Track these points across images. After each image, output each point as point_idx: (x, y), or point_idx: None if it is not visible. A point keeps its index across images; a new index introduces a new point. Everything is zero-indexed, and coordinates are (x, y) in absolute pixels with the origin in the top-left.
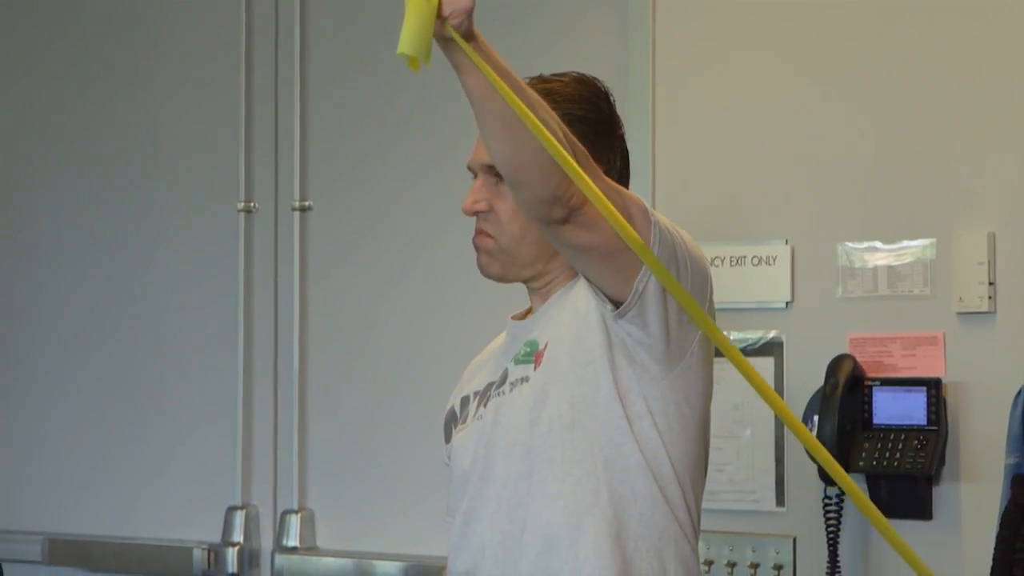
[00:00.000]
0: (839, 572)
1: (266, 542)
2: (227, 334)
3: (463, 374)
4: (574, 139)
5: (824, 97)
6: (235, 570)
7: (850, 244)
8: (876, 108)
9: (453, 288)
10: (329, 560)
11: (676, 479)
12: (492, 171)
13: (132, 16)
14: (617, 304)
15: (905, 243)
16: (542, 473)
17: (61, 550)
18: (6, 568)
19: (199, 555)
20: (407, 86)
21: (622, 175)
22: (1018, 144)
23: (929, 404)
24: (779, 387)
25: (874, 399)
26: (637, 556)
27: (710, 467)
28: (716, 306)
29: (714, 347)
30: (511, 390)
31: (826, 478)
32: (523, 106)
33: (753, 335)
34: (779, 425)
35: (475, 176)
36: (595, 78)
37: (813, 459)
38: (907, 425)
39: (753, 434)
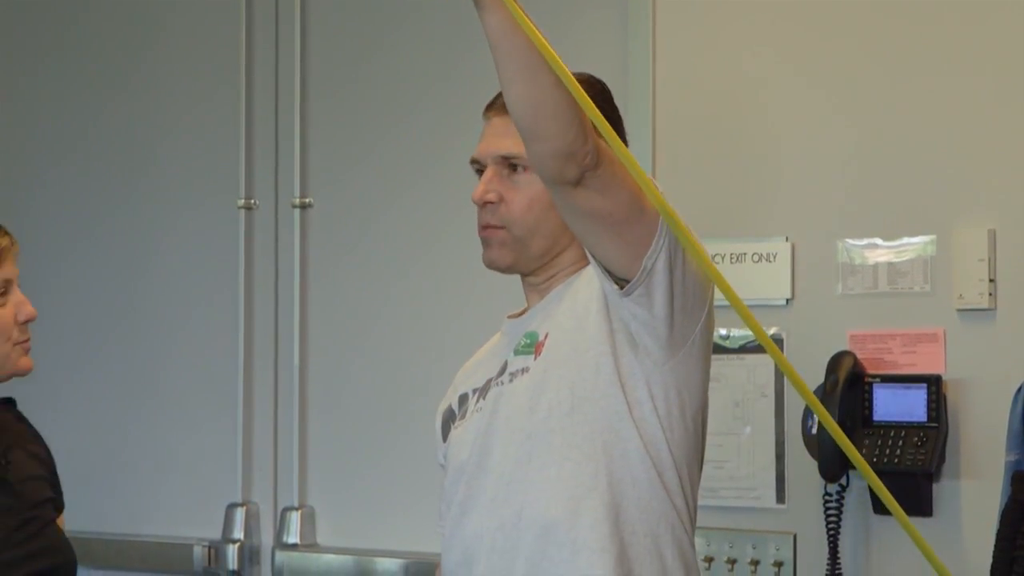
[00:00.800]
0: (839, 569)
1: (267, 539)
2: (227, 331)
3: (456, 377)
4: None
5: (824, 94)
6: (236, 567)
7: (850, 241)
8: (877, 105)
9: (453, 285)
10: (329, 557)
11: (674, 465)
12: (505, 162)
13: (132, 15)
14: (622, 284)
15: (905, 240)
16: (541, 458)
17: None
18: None
19: (200, 552)
20: (407, 84)
21: None
22: (1019, 141)
23: (929, 401)
24: (779, 384)
25: (874, 396)
26: (635, 541)
27: (711, 464)
28: (716, 303)
29: (712, 342)
30: (511, 380)
31: (826, 474)
32: (545, 42)
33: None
34: (779, 422)
35: (478, 172)
36: (599, 79)
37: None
38: (907, 422)
39: (753, 431)
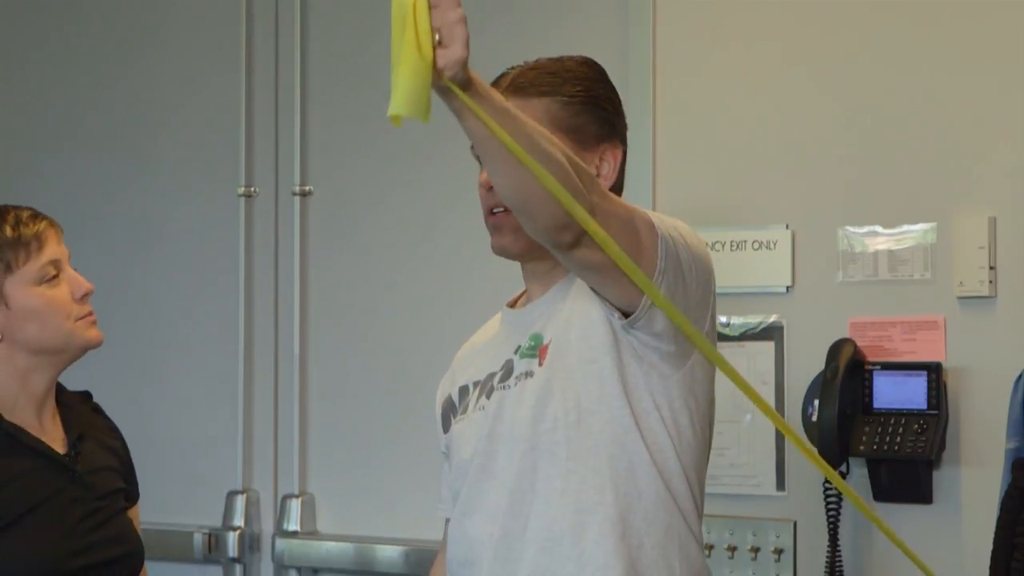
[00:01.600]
0: (839, 556)
1: (267, 526)
2: (228, 319)
3: (454, 360)
4: (576, 161)
5: (825, 83)
6: (236, 554)
7: (851, 228)
8: (877, 93)
9: (454, 272)
10: (330, 544)
11: (682, 472)
12: None
13: (133, 2)
14: (626, 313)
15: (906, 227)
16: (546, 470)
17: None
18: None
19: (200, 539)
20: None
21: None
22: (1019, 129)
23: (930, 388)
24: (780, 372)
25: (875, 383)
26: (642, 554)
27: (711, 451)
28: (717, 291)
29: (716, 330)
30: (515, 384)
31: (827, 462)
32: (521, 150)
33: (753, 319)
34: (780, 409)
35: (477, 157)
36: (596, 62)
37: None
38: (907, 409)
39: (754, 419)
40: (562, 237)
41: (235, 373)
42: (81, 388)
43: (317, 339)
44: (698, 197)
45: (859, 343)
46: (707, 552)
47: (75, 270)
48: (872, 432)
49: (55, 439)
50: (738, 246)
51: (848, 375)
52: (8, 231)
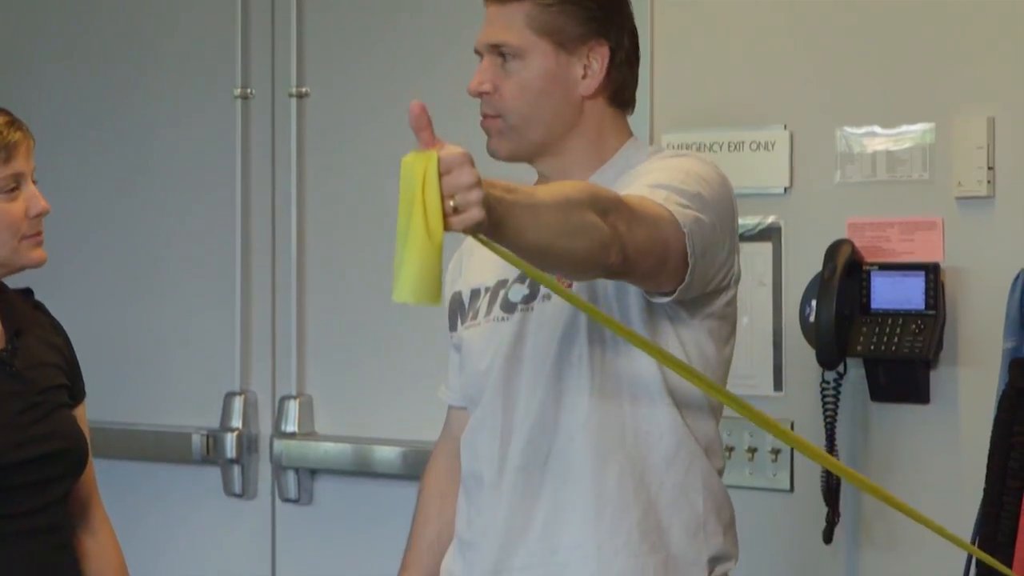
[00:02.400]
0: (836, 454)
1: (265, 427)
2: (225, 221)
3: (462, 248)
4: (597, 193)
5: None
6: (234, 455)
7: (849, 129)
8: None
9: None
10: (328, 445)
11: (707, 403)
12: (497, 51)
13: None
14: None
15: (904, 128)
16: (569, 406)
17: None
18: None
19: (198, 440)
20: None
21: (631, 56)
22: (1019, 28)
23: (927, 289)
24: (777, 273)
25: (872, 284)
26: (662, 495)
27: None
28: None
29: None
30: (539, 305)
31: (824, 362)
32: (542, 275)
33: (751, 221)
34: (777, 312)
35: (481, 58)
36: None
37: (808, 344)
38: (905, 310)
39: (751, 321)
40: (612, 262)
41: (233, 274)
42: (80, 290)
43: (315, 240)
44: (696, 98)
45: (857, 244)
46: None
47: (36, 186)
48: (870, 332)
49: None
50: (736, 147)
51: (846, 276)
52: None
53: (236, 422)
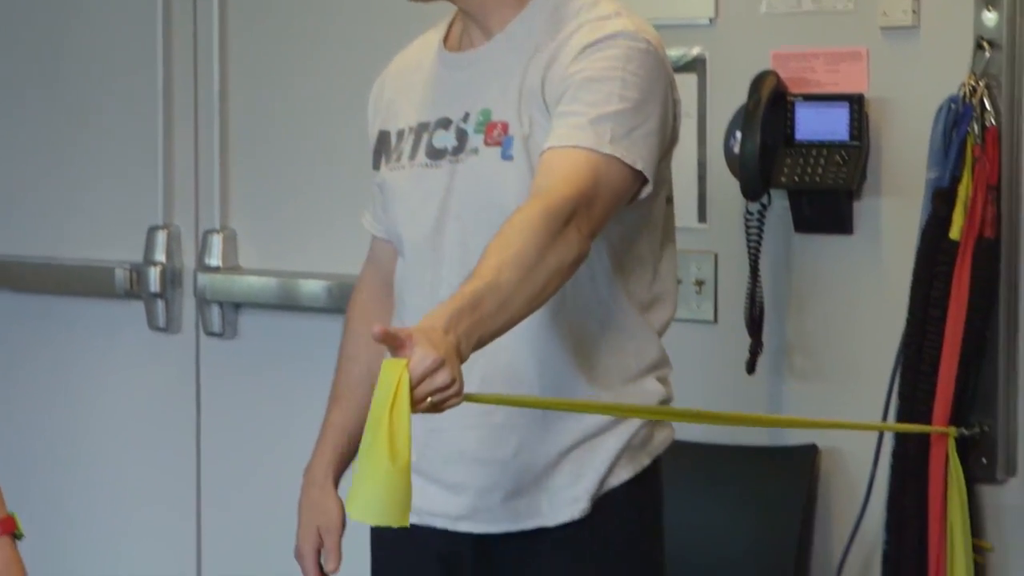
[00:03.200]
0: (759, 286)
1: (188, 261)
2: (146, 50)
3: (385, 78)
4: (561, 204)
5: None
6: (158, 289)
7: None
8: None
9: (384, 7)
10: (252, 279)
11: (644, 259)
12: None
13: None
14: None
15: None
16: None
17: None
18: None
19: (121, 275)
20: None
21: None
22: None
23: (852, 119)
24: (702, 105)
25: (796, 115)
26: (598, 361)
27: None
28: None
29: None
30: (467, 157)
31: (748, 193)
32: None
33: (676, 53)
34: (701, 143)
35: None
36: None
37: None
38: (829, 140)
39: (676, 152)
40: (585, 253)
41: (155, 105)
42: (2, 125)
43: (238, 71)
44: None
45: (782, 75)
46: None
47: None
48: (794, 163)
49: None
50: None
51: (770, 107)
52: None
53: (160, 256)
